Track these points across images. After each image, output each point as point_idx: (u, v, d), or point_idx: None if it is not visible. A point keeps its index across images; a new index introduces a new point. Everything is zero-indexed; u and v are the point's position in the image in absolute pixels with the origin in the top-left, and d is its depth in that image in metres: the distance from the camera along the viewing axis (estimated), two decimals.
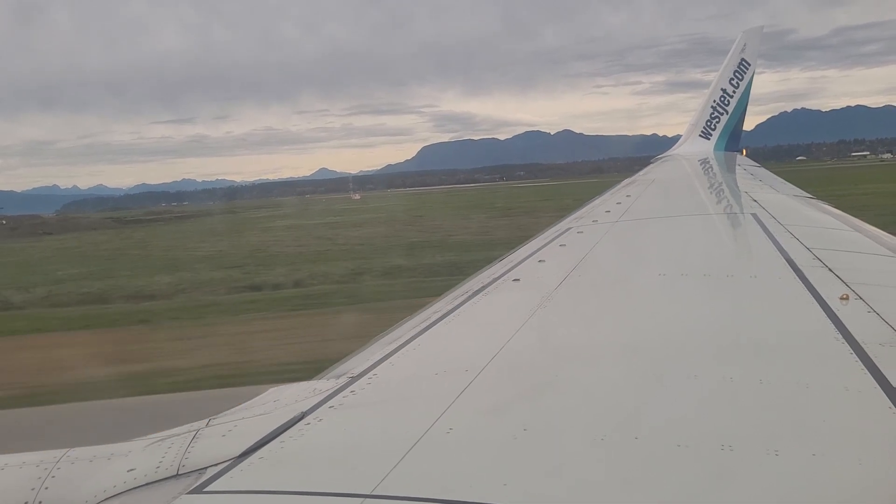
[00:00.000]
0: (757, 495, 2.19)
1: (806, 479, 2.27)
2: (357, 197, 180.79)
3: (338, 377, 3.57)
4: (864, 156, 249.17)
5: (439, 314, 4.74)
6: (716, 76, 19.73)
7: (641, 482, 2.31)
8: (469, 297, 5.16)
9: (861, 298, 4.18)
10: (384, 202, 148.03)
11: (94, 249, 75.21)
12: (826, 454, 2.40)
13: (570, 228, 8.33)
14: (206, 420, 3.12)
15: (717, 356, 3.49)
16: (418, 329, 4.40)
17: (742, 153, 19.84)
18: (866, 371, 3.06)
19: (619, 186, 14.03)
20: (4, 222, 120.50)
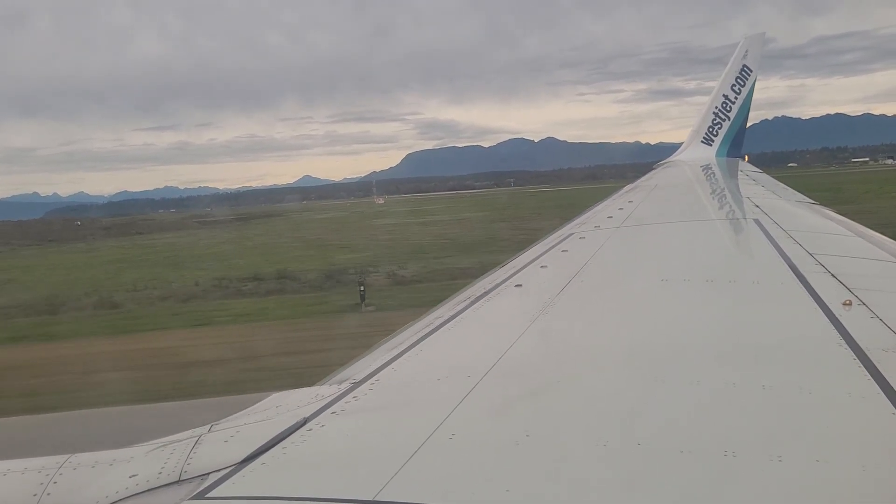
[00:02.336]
0: (760, 501, 2.18)
1: (809, 485, 2.26)
2: (381, 201, 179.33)
3: (340, 383, 3.57)
4: (866, 161, 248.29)
5: (441, 320, 4.74)
6: (717, 82, 19.73)
7: (644, 488, 2.30)
8: (471, 303, 5.16)
9: (864, 304, 4.18)
10: (425, 205, 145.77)
11: (271, 241, 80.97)
12: (829, 460, 2.39)
13: (573, 234, 8.32)
14: (209, 426, 3.12)
15: (720, 362, 3.48)
16: (421, 334, 4.40)
17: (744, 159, 19.82)
18: (869, 377, 3.06)
19: (621, 192, 14.03)
20: (80, 223, 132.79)
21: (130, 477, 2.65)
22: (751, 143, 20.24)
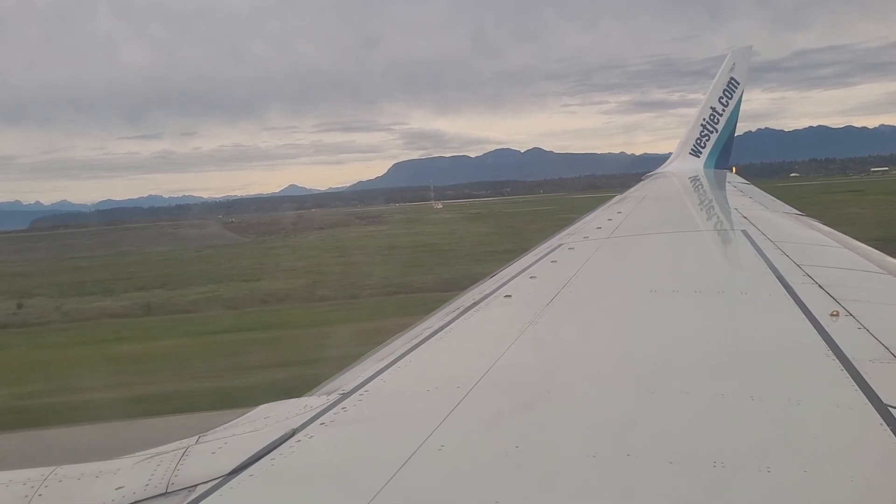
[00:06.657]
0: None
1: (798, 496, 2.26)
2: (439, 206, 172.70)
3: (329, 394, 3.55)
4: (885, 170, 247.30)
5: (431, 330, 4.73)
6: (705, 95, 19.94)
7: (634, 498, 2.30)
8: (461, 314, 5.15)
9: (851, 315, 4.21)
10: (489, 209, 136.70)
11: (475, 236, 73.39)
12: (818, 470, 2.40)
13: (562, 244, 8.34)
14: (196, 437, 3.10)
15: (709, 373, 3.50)
16: (410, 345, 4.39)
17: (732, 170, 20.00)
18: (857, 387, 3.08)
19: (610, 203, 14.09)
20: (234, 220, 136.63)
21: (117, 489, 2.61)
22: (737, 154, 20.34)
